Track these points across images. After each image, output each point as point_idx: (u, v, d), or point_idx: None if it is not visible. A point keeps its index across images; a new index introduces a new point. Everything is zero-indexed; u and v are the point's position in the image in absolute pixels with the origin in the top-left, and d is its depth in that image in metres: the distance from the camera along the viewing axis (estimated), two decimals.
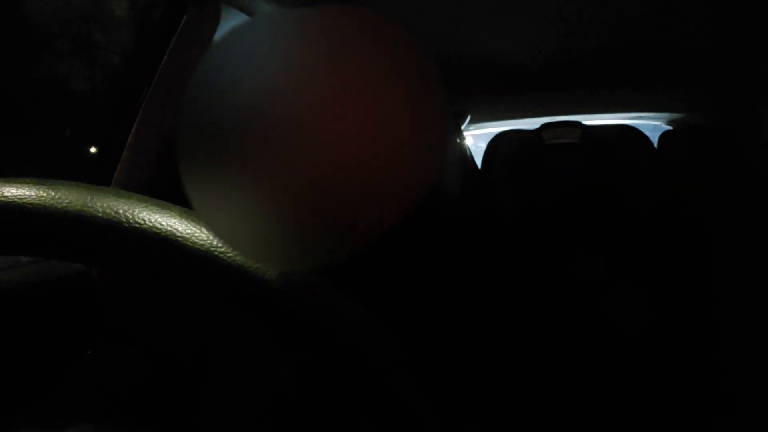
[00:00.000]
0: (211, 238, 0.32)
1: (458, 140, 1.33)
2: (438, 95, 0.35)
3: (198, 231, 0.32)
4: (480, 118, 1.65)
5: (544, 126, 1.25)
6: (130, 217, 0.32)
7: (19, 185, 0.30)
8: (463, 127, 1.57)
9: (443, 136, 0.36)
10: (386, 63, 0.32)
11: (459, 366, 0.39)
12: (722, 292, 0.54)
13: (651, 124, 1.63)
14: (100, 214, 0.31)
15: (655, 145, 1.21)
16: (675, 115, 1.54)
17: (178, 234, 0.32)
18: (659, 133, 1.24)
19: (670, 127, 1.58)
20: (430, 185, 0.36)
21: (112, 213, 0.31)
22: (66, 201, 0.30)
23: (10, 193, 0.29)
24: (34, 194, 0.30)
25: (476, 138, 1.97)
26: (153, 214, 0.32)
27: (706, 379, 0.47)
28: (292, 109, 0.30)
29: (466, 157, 1.37)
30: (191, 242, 0.31)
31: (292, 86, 0.30)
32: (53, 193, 0.31)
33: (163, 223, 0.32)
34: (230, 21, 0.79)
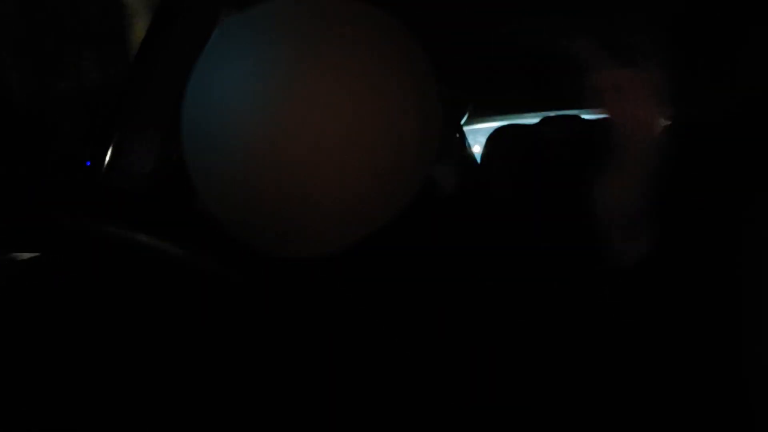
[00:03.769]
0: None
1: (457, 135, 1.33)
2: (432, 96, 0.35)
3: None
4: (479, 113, 1.65)
5: (544, 120, 1.25)
6: None
7: None
8: (462, 123, 1.57)
9: (435, 133, 0.36)
10: (384, 62, 0.32)
11: (457, 360, 0.39)
12: (720, 284, 0.54)
13: None
14: None
15: None
16: (673, 109, 1.54)
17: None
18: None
19: (669, 122, 1.58)
20: (422, 182, 0.36)
21: None
22: None
23: None
24: None
25: (475, 133, 1.97)
26: None
27: (707, 375, 0.48)
28: (289, 109, 0.30)
29: (466, 152, 1.37)
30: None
31: (289, 86, 0.30)
32: None
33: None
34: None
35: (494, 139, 1.27)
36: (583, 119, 1.22)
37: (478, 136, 1.91)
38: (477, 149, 1.42)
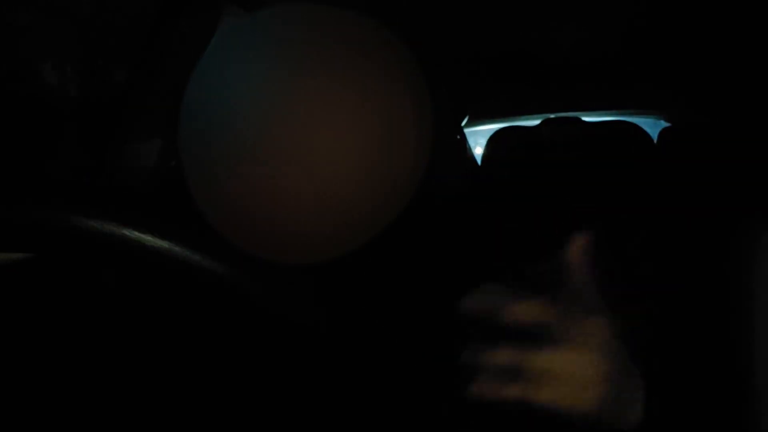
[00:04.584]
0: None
1: (458, 137, 1.33)
2: (427, 103, 0.35)
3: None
4: (480, 115, 1.65)
5: (545, 122, 1.25)
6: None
7: None
8: (463, 124, 1.57)
9: (430, 138, 0.36)
10: (379, 69, 0.32)
11: (455, 363, 0.39)
12: (723, 289, 0.54)
13: (650, 120, 1.63)
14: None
15: (655, 141, 1.21)
16: (675, 111, 1.54)
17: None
18: (659, 129, 1.24)
19: (669, 123, 1.58)
20: (419, 184, 0.37)
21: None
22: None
23: None
24: None
25: (476, 134, 1.97)
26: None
27: (709, 377, 0.48)
28: (288, 114, 0.30)
29: (466, 155, 1.36)
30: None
31: (288, 91, 0.30)
32: None
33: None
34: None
35: (495, 140, 1.27)
36: (584, 121, 1.22)
37: (479, 137, 1.91)
38: (478, 151, 1.42)
